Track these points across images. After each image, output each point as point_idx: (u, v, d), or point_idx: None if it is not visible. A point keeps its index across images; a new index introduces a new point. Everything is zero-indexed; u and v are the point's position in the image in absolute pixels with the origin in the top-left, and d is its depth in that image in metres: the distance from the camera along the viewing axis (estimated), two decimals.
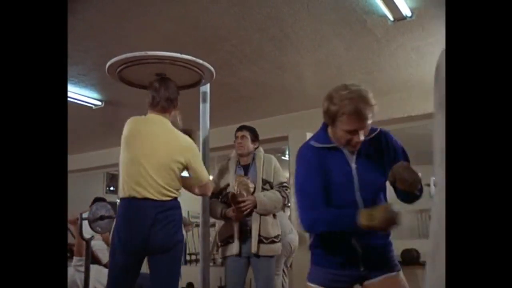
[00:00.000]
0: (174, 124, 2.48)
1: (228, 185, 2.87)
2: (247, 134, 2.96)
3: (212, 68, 2.51)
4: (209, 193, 2.41)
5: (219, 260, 5.42)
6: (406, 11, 2.89)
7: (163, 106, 2.19)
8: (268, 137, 5.39)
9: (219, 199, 2.90)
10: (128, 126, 2.20)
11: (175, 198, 2.13)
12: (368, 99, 1.51)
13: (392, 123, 4.53)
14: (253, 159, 2.94)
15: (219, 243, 2.90)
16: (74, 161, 6.88)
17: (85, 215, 3.12)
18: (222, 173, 2.98)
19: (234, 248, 2.75)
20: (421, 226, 8.07)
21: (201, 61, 2.42)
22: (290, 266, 4.82)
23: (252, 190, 2.78)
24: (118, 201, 2.31)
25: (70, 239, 4.92)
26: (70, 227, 4.60)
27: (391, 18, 2.98)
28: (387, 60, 3.74)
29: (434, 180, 1.09)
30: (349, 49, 3.52)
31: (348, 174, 1.61)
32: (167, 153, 2.04)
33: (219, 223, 2.95)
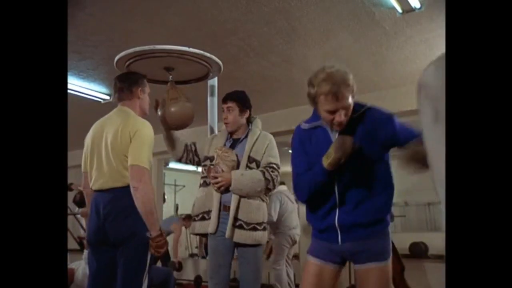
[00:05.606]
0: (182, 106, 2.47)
1: (213, 157, 2.44)
2: (233, 104, 2.44)
3: (219, 62, 2.51)
4: (134, 181, 1.97)
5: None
6: (415, 2, 2.87)
7: (118, 97, 2.22)
8: (276, 130, 5.39)
9: (203, 167, 2.52)
10: (91, 129, 2.25)
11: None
12: (344, 79, 1.58)
13: (400, 116, 4.49)
14: (247, 134, 2.50)
15: (194, 218, 2.45)
16: None
17: None
18: (210, 142, 2.56)
19: (210, 225, 2.33)
20: (429, 219, 8.02)
21: (208, 55, 2.43)
22: (293, 256, 5.12)
23: (234, 165, 2.36)
24: None
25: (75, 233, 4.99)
26: (82, 219, 4.67)
27: (400, 10, 2.96)
28: (396, 52, 3.72)
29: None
30: (357, 42, 3.50)
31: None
32: (120, 139, 2.03)
33: (201, 194, 2.47)
